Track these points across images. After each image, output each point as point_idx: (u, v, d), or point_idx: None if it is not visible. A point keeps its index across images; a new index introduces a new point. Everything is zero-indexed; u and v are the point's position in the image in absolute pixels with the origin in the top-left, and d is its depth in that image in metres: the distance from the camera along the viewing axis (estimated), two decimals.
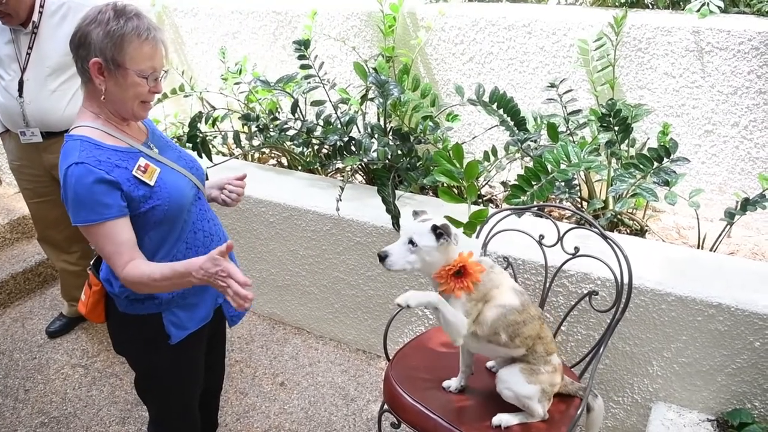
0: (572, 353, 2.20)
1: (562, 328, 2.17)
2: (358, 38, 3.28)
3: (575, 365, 2.03)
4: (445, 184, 2.54)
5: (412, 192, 2.68)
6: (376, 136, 2.68)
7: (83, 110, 1.47)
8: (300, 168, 3.11)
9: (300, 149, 2.99)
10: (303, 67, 2.81)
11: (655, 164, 2.19)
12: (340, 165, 3.05)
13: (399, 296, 1.52)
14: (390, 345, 2.58)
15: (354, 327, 2.76)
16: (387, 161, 2.59)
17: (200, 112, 2.95)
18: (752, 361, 1.89)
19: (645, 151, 2.24)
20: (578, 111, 2.63)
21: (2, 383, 2.66)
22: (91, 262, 1.64)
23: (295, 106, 2.89)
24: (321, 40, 3.38)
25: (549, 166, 2.15)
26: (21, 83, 2.35)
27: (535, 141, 2.51)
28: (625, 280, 1.80)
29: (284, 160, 3.35)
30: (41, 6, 2.34)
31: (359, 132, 2.88)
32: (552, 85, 2.67)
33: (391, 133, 2.73)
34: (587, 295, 1.97)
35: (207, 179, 1.89)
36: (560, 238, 1.92)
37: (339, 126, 2.74)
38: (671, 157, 2.17)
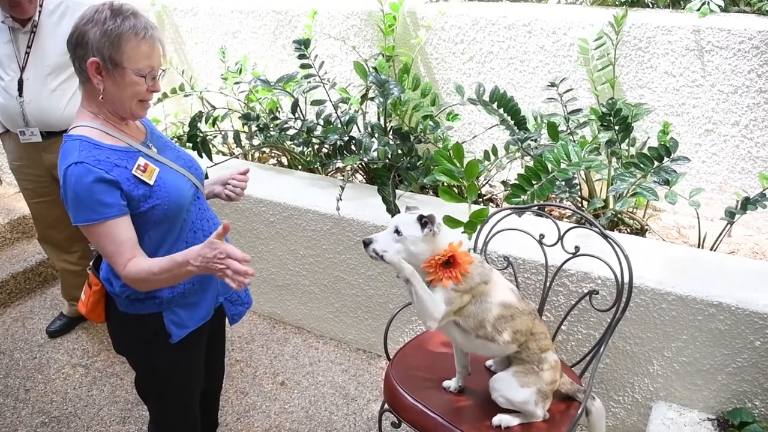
0: (573, 352, 2.20)
1: (563, 327, 2.17)
2: (358, 37, 3.27)
3: (576, 364, 2.03)
4: (445, 184, 2.54)
5: (412, 191, 2.68)
6: (376, 135, 2.68)
7: (82, 110, 1.47)
8: (300, 167, 3.11)
9: (300, 149, 2.99)
10: (303, 66, 2.81)
11: (656, 163, 2.19)
12: (340, 164, 3.05)
13: (374, 239, 1.53)
14: (390, 344, 2.58)
15: (354, 326, 2.76)
16: (387, 161, 2.59)
17: (200, 112, 2.95)
18: (753, 360, 1.89)
19: (645, 151, 2.24)
20: (578, 110, 2.63)
21: (3, 383, 2.66)
22: (91, 262, 1.64)
23: (295, 106, 2.89)
24: (321, 40, 3.38)
25: (549, 166, 2.15)
26: (20, 83, 2.35)
27: (536, 140, 2.51)
28: (626, 280, 1.80)
29: (284, 160, 3.35)
30: (40, 5, 2.34)
31: (359, 131, 2.88)
32: (552, 85, 2.67)
33: (391, 133, 2.73)
34: (587, 295, 1.97)
35: (207, 178, 1.89)
36: (560, 238, 1.92)
37: (339, 125, 2.74)
38: (672, 157, 2.17)
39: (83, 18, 1.39)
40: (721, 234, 2.36)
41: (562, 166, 2.16)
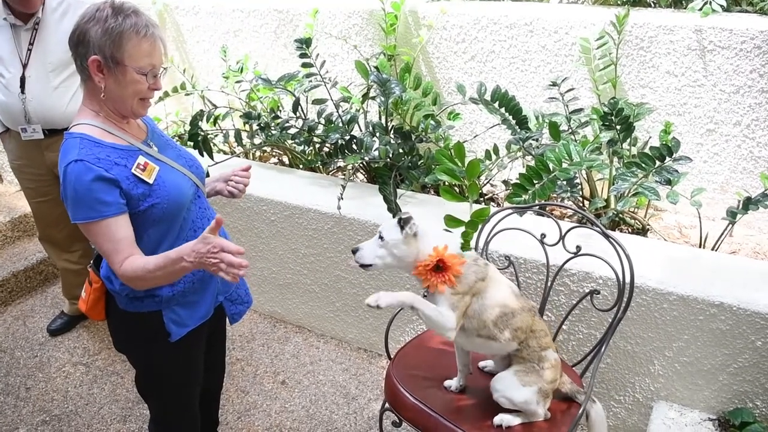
0: (574, 352, 2.20)
1: (564, 326, 2.17)
2: (359, 37, 3.27)
3: (576, 364, 2.03)
4: (446, 183, 2.54)
5: (413, 191, 2.68)
6: (377, 134, 2.68)
7: (83, 108, 1.47)
8: (301, 166, 3.11)
9: (301, 148, 2.98)
10: (304, 65, 2.81)
11: (657, 163, 2.19)
12: (341, 163, 3.05)
13: (369, 296, 1.51)
14: (391, 344, 2.58)
15: (355, 325, 2.76)
16: (388, 160, 2.59)
17: (201, 111, 2.94)
18: (754, 360, 1.89)
19: (647, 150, 2.24)
20: (580, 110, 2.63)
21: (3, 381, 2.66)
22: (92, 260, 1.64)
23: (296, 105, 2.89)
24: (322, 39, 3.38)
25: (551, 165, 2.14)
26: (23, 80, 2.35)
27: (537, 140, 2.51)
28: (627, 279, 1.79)
29: (286, 159, 3.35)
30: (42, 2, 2.34)
31: (361, 130, 2.88)
32: (554, 84, 2.67)
33: (392, 132, 2.73)
34: (589, 294, 1.97)
35: (208, 177, 1.89)
36: (562, 237, 1.92)
37: (340, 124, 2.73)
38: (673, 156, 2.17)
39: (85, 16, 1.39)
40: (722, 234, 2.36)
41: (564, 165, 2.16)
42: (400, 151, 2.63)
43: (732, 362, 1.93)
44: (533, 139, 2.49)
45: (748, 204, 2.19)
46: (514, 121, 2.61)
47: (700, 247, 2.40)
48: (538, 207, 2.06)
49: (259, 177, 2.86)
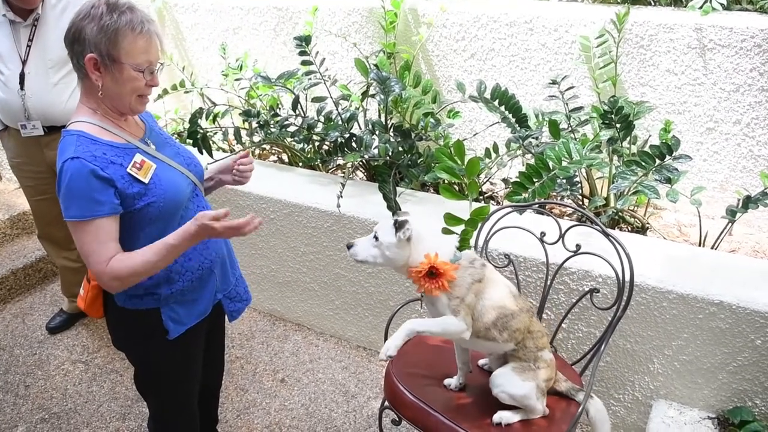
0: (573, 350, 2.20)
1: (563, 325, 2.17)
2: (359, 34, 3.27)
3: (576, 362, 2.03)
4: (446, 181, 2.54)
5: (413, 189, 2.67)
6: (377, 132, 2.68)
7: (80, 105, 1.47)
8: (301, 164, 3.11)
9: (301, 146, 2.98)
10: (304, 63, 2.80)
11: (657, 161, 2.19)
12: (341, 161, 3.04)
13: (381, 352, 1.54)
14: None
15: (354, 324, 2.76)
16: (388, 158, 2.59)
17: (201, 108, 2.94)
18: (753, 359, 1.89)
19: (647, 149, 2.24)
20: (580, 108, 2.63)
21: (2, 379, 2.66)
22: None
23: (296, 103, 2.88)
24: (322, 36, 3.37)
25: (550, 163, 2.14)
26: (22, 76, 2.35)
27: (537, 138, 2.51)
28: (627, 278, 1.79)
29: (285, 157, 3.35)
30: None
31: (360, 128, 2.88)
32: (554, 82, 2.67)
33: (392, 130, 2.72)
34: (588, 293, 1.97)
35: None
36: (562, 236, 1.92)
37: (340, 122, 2.73)
38: (673, 155, 2.17)
39: (80, 13, 1.39)
40: (722, 232, 2.36)
41: (564, 164, 2.16)
42: (400, 149, 2.63)
43: (731, 361, 1.93)
44: (533, 138, 2.49)
45: (748, 202, 2.18)
46: (513, 120, 2.61)
47: (699, 245, 2.40)
48: (537, 205, 2.06)
49: (258, 175, 2.85)
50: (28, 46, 2.34)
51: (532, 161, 2.24)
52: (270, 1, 3.52)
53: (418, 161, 2.65)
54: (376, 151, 2.58)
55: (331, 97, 2.82)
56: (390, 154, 2.58)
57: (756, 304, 1.83)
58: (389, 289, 2.55)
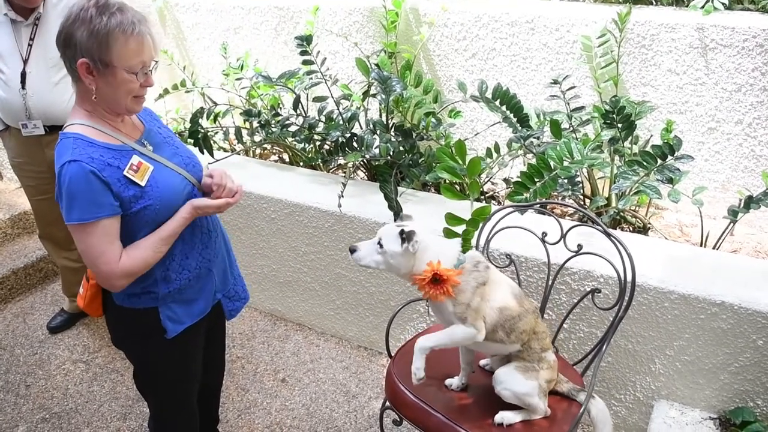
0: (574, 351, 2.20)
1: (565, 325, 2.17)
2: (360, 34, 3.26)
3: (577, 363, 2.03)
4: (447, 181, 2.54)
5: (414, 189, 2.67)
6: (378, 132, 2.68)
7: (76, 108, 1.46)
8: (302, 164, 3.11)
9: (302, 145, 2.98)
10: (305, 62, 2.80)
11: (659, 161, 2.19)
12: (342, 161, 3.04)
13: (413, 378, 1.58)
14: (392, 342, 2.57)
15: (355, 323, 2.76)
16: (389, 158, 2.58)
17: (202, 108, 2.94)
18: (755, 359, 1.89)
19: (648, 149, 2.23)
20: (581, 108, 2.62)
21: (3, 379, 2.66)
22: None
23: (297, 102, 2.88)
24: (323, 36, 3.37)
25: (552, 163, 2.14)
26: (23, 75, 2.35)
27: (538, 138, 2.50)
28: (629, 278, 1.79)
29: (286, 156, 3.35)
30: None
31: (361, 128, 2.87)
32: (555, 82, 2.66)
33: (393, 130, 2.72)
34: (590, 293, 1.96)
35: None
36: (563, 236, 1.91)
37: (341, 122, 2.73)
38: (675, 155, 2.16)
39: (69, 17, 1.36)
40: (723, 233, 2.35)
41: (565, 163, 2.15)
42: (401, 148, 2.63)
43: (733, 361, 1.92)
44: (534, 137, 2.49)
45: (750, 203, 2.18)
46: (515, 119, 2.61)
47: (701, 245, 2.40)
48: (539, 205, 2.06)
49: (259, 175, 2.85)
50: (30, 45, 2.34)
51: (533, 161, 2.24)
52: (271, 0, 3.52)
53: (420, 161, 2.64)
54: (377, 151, 2.57)
55: (332, 97, 2.82)
56: (391, 153, 2.57)
57: (758, 305, 1.83)
58: (390, 288, 2.55)
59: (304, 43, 2.78)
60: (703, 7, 2.58)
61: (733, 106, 2.56)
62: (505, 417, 1.66)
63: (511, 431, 1.64)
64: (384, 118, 2.80)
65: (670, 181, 2.15)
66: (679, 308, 1.93)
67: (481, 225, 2.06)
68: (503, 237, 2.12)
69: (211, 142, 2.95)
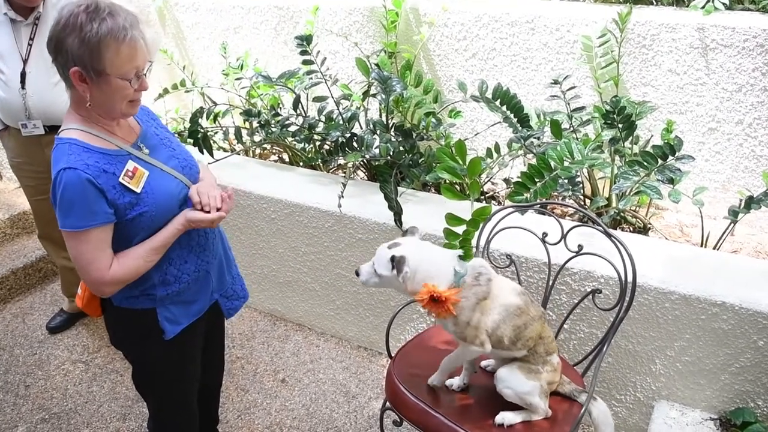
0: (575, 351, 2.19)
1: (565, 326, 2.16)
2: (360, 34, 3.26)
3: (578, 363, 2.02)
4: (447, 181, 2.53)
5: (414, 189, 2.67)
6: (378, 132, 2.67)
7: (71, 112, 1.44)
8: (302, 164, 3.10)
9: (302, 145, 2.97)
10: (305, 62, 2.80)
11: (660, 162, 2.18)
12: (342, 161, 3.04)
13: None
14: (392, 342, 2.57)
15: (355, 324, 2.75)
16: (389, 158, 2.58)
17: (201, 108, 2.93)
18: (756, 360, 1.89)
19: (649, 149, 2.23)
20: (582, 108, 2.62)
21: (3, 379, 2.65)
22: None
23: (296, 102, 2.88)
24: (323, 36, 3.37)
25: (552, 164, 2.14)
26: (23, 75, 2.34)
27: (539, 138, 2.50)
28: (629, 279, 1.79)
29: (286, 156, 3.34)
30: None
31: (361, 128, 2.87)
32: (555, 82, 2.66)
33: (393, 130, 2.72)
34: (590, 293, 1.96)
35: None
36: (564, 236, 1.91)
37: (341, 122, 2.72)
38: (676, 155, 2.16)
39: (59, 22, 1.33)
40: (724, 233, 2.35)
41: (565, 164, 2.15)
42: (401, 149, 2.62)
43: (734, 362, 1.92)
44: (535, 138, 2.48)
45: (750, 203, 2.18)
46: (515, 119, 2.60)
47: (701, 246, 2.40)
48: (539, 205, 2.05)
49: (259, 175, 2.85)
50: (29, 45, 2.34)
51: (533, 161, 2.23)
52: (271, 0, 3.52)
53: (420, 161, 2.64)
54: (377, 151, 2.57)
55: (332, 97, 2.81)
56: (391, 153, 2.57)
57: (759, 305, 1.83)
58: (390, 289, 2.54)
59: (304, 43, 2.78)
60: (703, 7, 2.58)
61: (733, 106, 2.56)
62: (505, 417, 1.65)
63: None
64: (384, 118, 2.79)
65: (671, 181, 2.15)
66: (680, 309, 1.93)
67: (481, 225, 2.05)
68: (504, 237, 2.12)
69: (211, 142, 2.95)
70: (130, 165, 1.43)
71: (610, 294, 2.03)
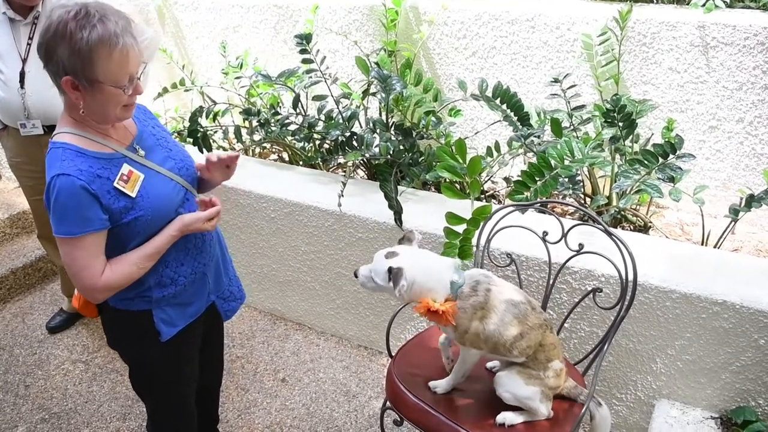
0: (575, 350, 2.19)
1: (566, 325, 2.16)
2: (360, 32, 3.25)
3: (579, 362, 2.02)
4: (447, 180, 2.53)
5: (414, 188, 2.66)
6: (378, 131, 2.67)
7: (65, 116, 1.42)
8: (301, 163, 3.10)
9: (301, 144, 2.97)
10: (305, 61, 2.79)
11: (660, 160, 2.18)
12: (342, 160, 3.03)
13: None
14: (392, 341, 2.57)
15: (355, 323, 2.75)
16: (389, 156, 2.58)
17: (201, 107, 2.93)
18: (756, 358, 1.88)
19: (649, 147, 2.23)
20: (582, 106, 2.61)
21: (2, 379, 2.65)
22: None
23: (296, 101, 2.87)
24: (323, 35, 3.36)
25: (553, 162, 2.13)
26: (22, 75, 2.34)
27: (539, 136, 2.50)
28: (630, 277, 1.78)
29: (285, 155, 3.34)
30: None
31: (361, 127, 2.86)
32: (556, 80, 2.65)
33: (393, 129, 2.71)
34: (591, 292, 1.96)
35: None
36: (564, 235, 1.91)
37: (341, 121, 2.72)
38: (677, 153, 2.16)
39: (49, 29, 1.29)
40: (724, 231, 2.34)
41: (566, 162, 2.15)
42: (401, 147, 2.62)
43: (734, 360, 1.92)
44: (535, 136, 2.48)
45: (751, 201, 2.17)
46: (515, 118, 2.60)
47: (702, 244, 2.39)
48: (539, 204, 2.05)
49: (258, 174, 2.85)
50: (28, 45, 2.33)
51: (534, 160, 2.23)
52: None
53: (420, 160, 2.64)
54: (377, 150, 2.57)
55: (332, 96, 2.81)
56: (391, 152, 2.57)
57: (760, 304, 1.82)
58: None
59: (304, 42, 2.77)
60: (704, 5, 2.57)
61: (734, 104, 2.55)
62: (506, 418, 1.65)
63: None
64: (384, 117, 2.79)
65: (671, 179, 2.15)
66: (681, 307, 1.93)
67: (481, 224, 2.05)
68: (504, 236, 2.12)
69: (211, 141, 2.94)
70: (125, 168, 1.42)
71: (610, 293, 2.02)
